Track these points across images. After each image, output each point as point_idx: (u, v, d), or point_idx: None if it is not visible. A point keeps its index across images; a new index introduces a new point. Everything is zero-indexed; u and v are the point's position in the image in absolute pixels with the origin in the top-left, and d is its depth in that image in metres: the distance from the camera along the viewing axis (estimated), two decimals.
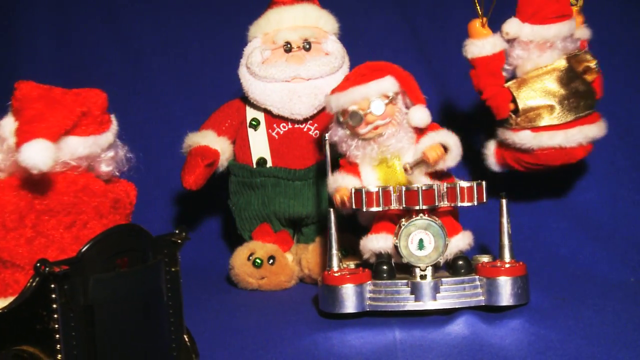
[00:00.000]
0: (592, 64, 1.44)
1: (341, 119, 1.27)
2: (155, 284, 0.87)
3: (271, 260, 1.46)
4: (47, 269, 0.76)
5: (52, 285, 0.77)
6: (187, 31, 1.96)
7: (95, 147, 1.00)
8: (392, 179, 1.27)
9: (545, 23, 1.40)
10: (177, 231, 0.91)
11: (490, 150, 1.53)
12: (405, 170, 1.23)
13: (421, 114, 1.26)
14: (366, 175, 1.28)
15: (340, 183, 1.26)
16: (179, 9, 1.97)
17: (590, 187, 1.67)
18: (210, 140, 1.52)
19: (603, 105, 1.71)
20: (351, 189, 1.21)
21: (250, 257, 1.47)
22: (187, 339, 0.93)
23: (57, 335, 0.77)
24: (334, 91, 1.29)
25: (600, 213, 1.62)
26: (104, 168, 1.05)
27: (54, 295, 0.77)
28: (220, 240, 1.84)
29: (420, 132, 1.27)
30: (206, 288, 1.51)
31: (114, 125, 1.06)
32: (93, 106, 1.02)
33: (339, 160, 1.34)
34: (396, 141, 1.26)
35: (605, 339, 1.03)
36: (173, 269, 0.90)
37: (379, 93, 1.25)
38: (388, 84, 1.25)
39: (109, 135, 1.04)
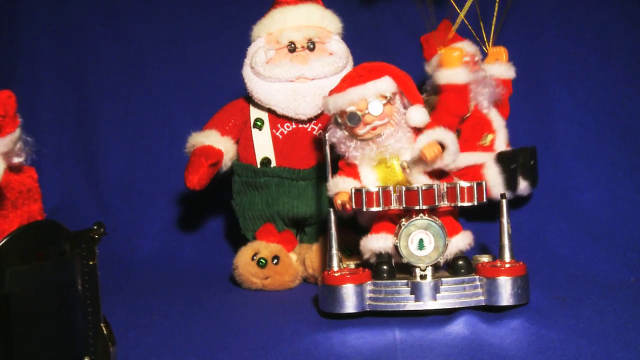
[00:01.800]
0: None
1: (339, 120, 1.27)
2: (71, 276, 0.93)
3: (275, 260, 1.46)
4: None
5: None
6: (187, 31, 1.97)
7: (11, 144, 1.12)
8: (392, 179, 1.27)
9: None
10: (94, 227, 0.97)
11: None
12: (403, 168, 1.23)
13: (419, 114, 1.26)
14: (365, 176, 1.28)
15: (341, 187, 1.26)
16: (179, 9, 1.97)
17: (590, 187, 1.67)
18: (214, 140, 1.52)
19: (603, 105, 1.71)
20: (351, 189, 1.21)
21: (255, 257, 1.47)
22: (104, 328, 0.97)
23: None
24: (332, 92, 1.30)
25: (600, 213, 1.62)
26: (16, 159, 1.15)
27: None
28: (223, 241, 1.84)
29: (418, 131, 1.27)
30: (207, 288, 1.51)
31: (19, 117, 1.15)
32: (10, 109, 1.10)
33: (338, 163, 1.34)
34: (395, 141, 1.26)
35: (606, 339, 1.03)
36: (91, 262, 0.96)
37: (376, 93, 1.25)
38: (385, 84, 1.26)
39: (19, 129, 1.14)
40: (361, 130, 1.25)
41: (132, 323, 1.24)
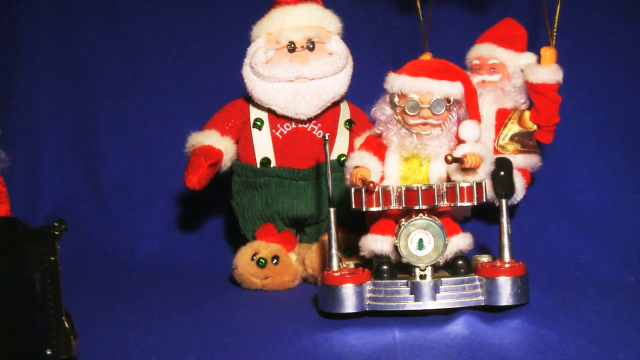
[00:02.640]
0: None
1: (396, 101, 1.25)
2: (30, 272, 0.95)
3: (275, 260, 1.46)
4: None
5: None
6: (187, 31, 1.97)
7: None
8: (413, 178, 1.26)
9: None
10: (55, 224, 0.97)
11: None
12: (446, 159, 1.20)
13: (473, 130, 1.24)
14: (391, 163, 1.26)
15: (366, 162, 1.24)
16: (179, 9, 1.97)
17: (590, 187, 1.67)
18: (214, 140, 1.52)
19: (603, 105, 1.71)
20: (351, 189, 1.21)
21: (254, 257, 1.47)
22: (66, 322, 0.99)
23: None
24: (401, 71, 1.26)
25: (600, 213, 1.62)
26: None
27: None
28: (223, 241, 1.84)
29: (459, 145, 1.26)
30: (207, 288, 1.51)
31: None
32: None
33: (367, 137, 1.32)
34: (438, 145, 1.25)
35: (605, 339, 1.03)
36: (52, 258, 0.97)
37: (444, 94, 1.24)
38: (456, 89, 1.24)
39: None
40: (414, 121, 1.24)
41: (132, 323, 1.24)
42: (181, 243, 1.84)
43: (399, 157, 1.27)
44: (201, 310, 1.32)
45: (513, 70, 1.62)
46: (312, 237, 1.56)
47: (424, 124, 1.24)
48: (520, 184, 1.56)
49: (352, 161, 1.25)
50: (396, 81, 1.25)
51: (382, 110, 1.27)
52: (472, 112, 1.27)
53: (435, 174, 1.25)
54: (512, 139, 1.61)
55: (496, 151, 1.60)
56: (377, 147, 1.28)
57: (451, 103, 1.24)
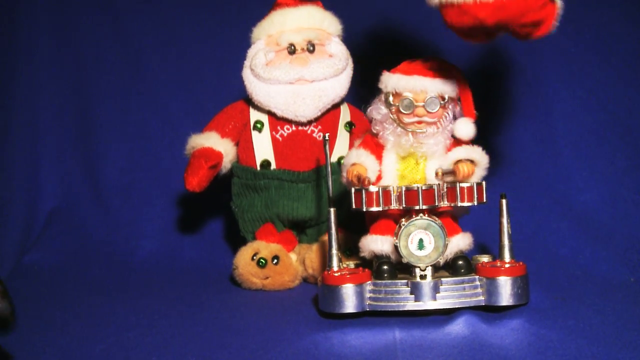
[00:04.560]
0: None
1: (391, 100, 1.26)
2: None
3: (275, 260, 1.46)
4: None
5: None
6: (187, 31, 1.97)
7: None
8: (411, 176, 1.26)
9: None
10: None
11: None
12: (437, 174, 1.22)
13: (468, 128, 1.25)
14: (388, 163, 1.27)
15: (363, 160, 1.24)
16: (179, 9, 1.97)
17: (590, 187, 1.67)
18: (214, 142, 1.52)
19: (603, 105, 1.71)
20: (351, 189, 1.21)
21: (255, 257, 1.47)
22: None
23: None
24: (395, 70, 1.27)
25: (600, 213, 1.62)
26: None
27: None
28: (223, 241, 1.84)
29: (455, 142, 1.27)
30: (207, 288, 1.51)
31: None
32: None
33: (364, 136, 1.32)
34: (433, 143, 1.25)
35: (605, 339, 1.03)
36: None
37: (438, 92, 1.24)
38: (450, 87, 1.25)
39: None
40: (409, 119, 1.24)
41: (132, 323, 1.24)
42: (181, 243, 1.84)
43: (395, 156, 1.27)
44: (201, 310, 1.32)
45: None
46: (312, 237, 1.56)
47: (419, 122, 1.24)
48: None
49: (349, 159, 1.26)
50: (390, 80, 1.26)
51: (378, 110, 1.28)
52: (467, 109, 1.27)
53: (432, 172, 1.25)
54: None
55: None
56: (375, 146, 1.28)
57: (446, 101, 1.24)
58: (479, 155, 1.23)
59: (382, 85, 1.28)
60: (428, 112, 1.23)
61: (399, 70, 1.27)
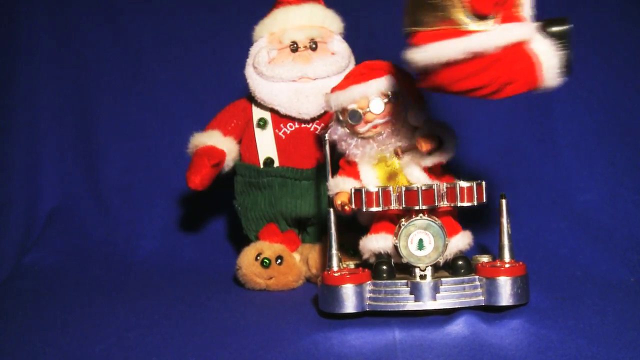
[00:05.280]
0: None
1: (341, 118, 1.28)
2: None
3: (279, 260, 1.46)
4: None
5: None
6: (187, 31, 1.97)
7: None
8: (391, 178, 1.27)
9: None
10: None
11: None
12: (396, 153, 1.24)
13: (418, 114, 1.27)
14: (365, 174, 1.29)
15: (341, 187, 1.27)
16: (179, 9, 1.97)
17: (590, 187, 1.67)
18: (217, 140, 1.52)
19: (603, 105, 1.71)
20: (351, 189, 1.21)
21: (258, 257, 1.47)
22: None
23: None
24: (334, 89, 1.30)
25: (600, 213, 1.62)
26: None
27: None
28: (224, 241, 1.84)
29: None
30: (207, 288, 1.51)
31: None
32: None
33: (339, 162, 1.34)
34: (397, 140, 1.26)
35: (605, 339, 1.03)
36: None
37: (378, 92, 1.26)
38: (387, 83, 1.26)
39: None
40: (362, 128, 1.26)
41: (132, 323, 1.24)
42: (181, 243, 1.84)
43: (369, 167, 1.29)
44: (201, 310, 1.32)
45: None
46: (315, 236, 1.56)
47: (374, 127, 1.26)
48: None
49: (332, 191, 1.28)
50: (332, 99, 1.29)
51: (335, 131, 1.31)
52: (413, 96, 1.28)
53: (408, 165, 1.26)
54: None
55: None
56: (349, 167, 1.31)
57: (391, 96, 1.25)
58: (442, 129, 1.24)
59: (327, 108, 1.32)
60: (376, 114, 1.24)
61: (336, 88, 1.30)
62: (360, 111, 1.25)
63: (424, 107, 1.28)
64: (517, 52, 1.03)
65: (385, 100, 1.25)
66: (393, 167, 1.28)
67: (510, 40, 1.01)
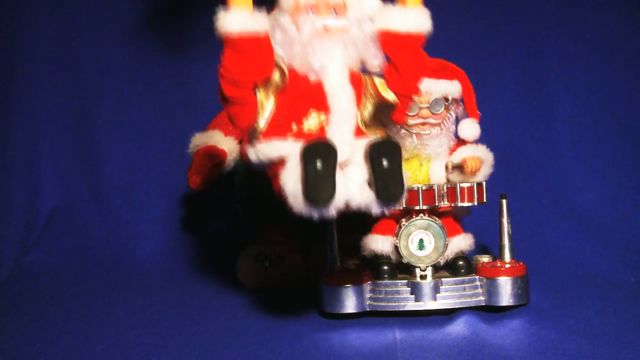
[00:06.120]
0: None
1: None
2: None
3: (280, 261, 1.46)
4: None
5: None
6: (188, 30, 1.96)
7: None
8: (414, 177, 1.26)
9: None
10: None
11: None
12: (446, 168, 1.23)
13: (473, 129, 1.26)
14: None
15: None
16: (179, 9, 1.97)
17: (590, 187, 1.67)
18: (218, 140, 1.52)
19: (603, 105, 1.71)
20: None
21: (259, 258, 1.47)
22: None
23: None
24: None
25: (600, 213, 1.62)
26: None
27: None
28: (223, 241, 1.84)
29: (459, 143, 1.27)
30: (207, 288, 1.51)
31: None
32: None
33: None
34: (438, 144, 1.25)
35: (606, 339, 1.03)
36: None
37: (442, 93, 1.24)
38: (455, 88, 1.25)
39: None
40: (413, 121, 1.24)
41: (132, 323, 1.24)
42: (181, 243, 1.84)
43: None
44: (201, 310, 1.32)
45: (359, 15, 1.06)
46: (316, 236, 1.56)
47: (423, 124, 1.24)
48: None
49: None
50: None
51: None
52: (471, 110, 1.27)
53: (436, 173, 1.25)
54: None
55: (360, 131, 1.05)
56: None
57: (449, 102, 1.25)
58: (485, 154, 1.24)
59: None
60: (433, 113, 1.23)
61: None
62: (419, 104, 1.23)
63: (477, 124, 1.27)
64: None
65: (446, 103, 1.24)
66: (420, 170, 1.26)
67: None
